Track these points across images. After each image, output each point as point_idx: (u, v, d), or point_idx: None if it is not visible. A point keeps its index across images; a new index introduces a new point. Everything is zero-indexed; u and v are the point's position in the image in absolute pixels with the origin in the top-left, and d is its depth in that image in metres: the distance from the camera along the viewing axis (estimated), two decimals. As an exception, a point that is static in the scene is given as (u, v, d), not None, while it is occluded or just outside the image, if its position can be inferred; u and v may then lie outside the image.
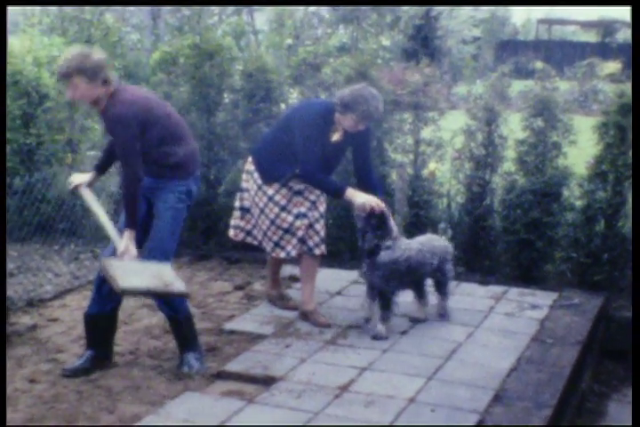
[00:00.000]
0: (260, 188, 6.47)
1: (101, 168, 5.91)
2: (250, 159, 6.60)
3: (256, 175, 6.48)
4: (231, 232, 6.80)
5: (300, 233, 6.45)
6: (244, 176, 6.64)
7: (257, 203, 6.51)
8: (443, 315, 6.69)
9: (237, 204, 6.71)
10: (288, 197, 6.44)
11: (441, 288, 6.66)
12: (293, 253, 6.53)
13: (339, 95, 6.33)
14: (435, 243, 6.60)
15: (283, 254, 6.55)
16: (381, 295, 6.35)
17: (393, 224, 6.33)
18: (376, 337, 6.28)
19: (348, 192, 6.24)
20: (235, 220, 6.75)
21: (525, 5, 49.61)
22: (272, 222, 6.47)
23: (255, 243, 6.73)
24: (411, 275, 6.39)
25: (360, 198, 6.19)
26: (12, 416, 4.98)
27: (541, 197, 7.69)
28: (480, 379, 5.53)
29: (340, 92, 6.45)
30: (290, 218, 6.44)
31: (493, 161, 8.14)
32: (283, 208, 6.44)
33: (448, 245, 6.79)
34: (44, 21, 16.91)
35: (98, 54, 5.47)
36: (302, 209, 6.47)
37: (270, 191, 6.44)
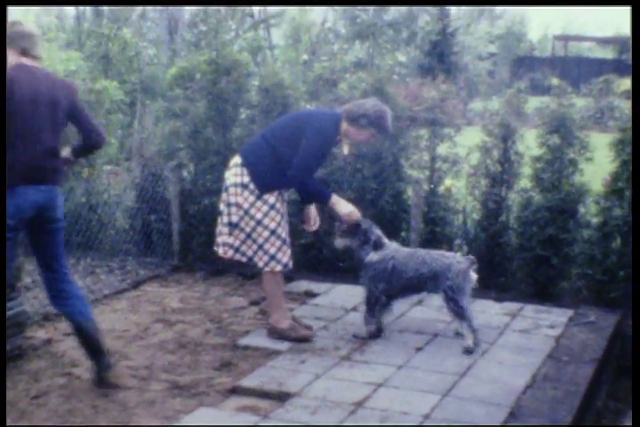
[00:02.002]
0: (258, 198, 6.36)
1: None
2: (238, 171, 6.41)
3: (252, 186, 6.35)
4: (220, 250, 6.59)
5: (288, 242, 6.55)
6: (235, 190, 6.41)
7: (253, 215, 6.37)
8: (459, 334, 6.56)
9: (225, 219, 6.48)
10: (282, 204, 6.51)
11: (448, 307, 6.42)
12: (290, 264, 6.52)
13: (361, 110, 6.39)
14: (436, 255, 6.49)
15: (279, 267, 6.45)
16: (367, 297, 6.55)
17: (375, 233, 6.56)
18: (356, 336, 6.57)
19: (333, 199, 6.45)
20: (223, 236, 6.53)
21: (526, 5, 49.82)
22: (272, 233, 6.40)
23: (244, 260, 6.55)
24: (397, 278, 6.46)
25: (345, 209, 6.44)
26: (27, 430, 5.00)
27: (557, 213, 7.67)
28: (495, 396, 5.51)
29: (358, 106, 6.45)
30: (286, 226, 6.52)
31: (509, 178, 8.13)
32: (282, 216, 6.48)
33: (455, 263, 6.38)
34: (61, 36, 17.03)
35: (27, 26, 5.46)
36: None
37: (272, 199, 6.39)
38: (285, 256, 6.46)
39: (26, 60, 5.42)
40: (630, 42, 7.61)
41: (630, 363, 6.99)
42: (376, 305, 6.52)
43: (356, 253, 6.62)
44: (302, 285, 7.98)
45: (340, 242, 6.68)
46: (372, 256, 6.50)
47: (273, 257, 6.42)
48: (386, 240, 6.60)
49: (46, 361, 6.15)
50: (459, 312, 6.36)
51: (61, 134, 5.60)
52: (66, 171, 6.04)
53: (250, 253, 6.48)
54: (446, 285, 6.34)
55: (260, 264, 6.48)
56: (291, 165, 6.33)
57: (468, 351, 6.28)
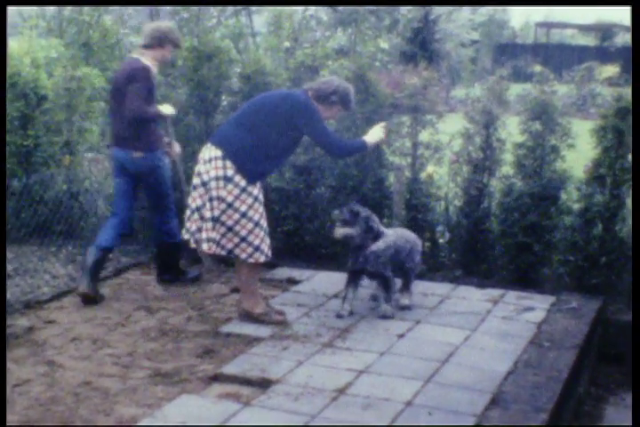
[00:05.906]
0: (243, 190, 6.30)
1: None
2: (220, 164, 6.30)
3: (237, 178, 6.28)
4: (205, 246, 6.46)
5: (268, 231, 6.59)
6: (217, 183, 6.31)
7: (237, 208, 6.31)
8: (406, 307, 7.03)
9: (208, 214, 6.37)
10: (262, 194, 6.51)
11: (407, 276, 7.08)
12: (270, 253, 6.53)
13: (330, 88, 6.57)
14: (406, 233, 7.17)
15: (263, 258, 6.46)
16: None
17: (376, 221, 6.82)
18: (385, 316, 6.75)
19: (368, 143, 6.75)
20: (207, 232, 6.40)
21: (527, 5, 49.67)
22: (256, 224, 6.38)
23: (223, 253, 6.46)
24: (395, 258, 6.88)
25: (378, 137, 6.80)
26: (8, 418, 4.97)
27: (539, 200, 7.68)
28: (477, 382, 5.52)
29: (326, 84, 6.60)
30: (265, 216, 6.54)
31: (491, 164, 8.13)
32: (262, 205, 6.49)
33: (415, 238, 7.20)
34: (40, 24, 16.91)
35: None
36: None
37: (255, 191, 6.37)
38: (267, 247, 6.48)
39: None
40: (629, 35, 7.62)
41: (612, 349, 7.07)
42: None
43: (356, 240, 6.71)
44: (284, 272, 7.97)
45: (341, 232, 6.71)
46: (379, 244, 6.73)
47: (257, 248, 6.41)
48: (382, 228, 6.86)
49: (28, 349, 6.13)
50: (412, 281, 7.16)
51: None
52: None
53: (230, 245, 6.40)
54: (417, 258, 7.16)
55: (244, 256, 6.42)
56: (323, 147, 6.62)
57: (386, 316, 6.79)
